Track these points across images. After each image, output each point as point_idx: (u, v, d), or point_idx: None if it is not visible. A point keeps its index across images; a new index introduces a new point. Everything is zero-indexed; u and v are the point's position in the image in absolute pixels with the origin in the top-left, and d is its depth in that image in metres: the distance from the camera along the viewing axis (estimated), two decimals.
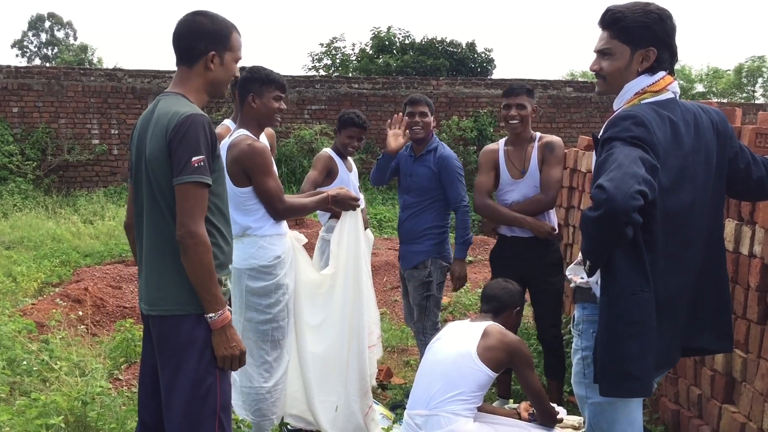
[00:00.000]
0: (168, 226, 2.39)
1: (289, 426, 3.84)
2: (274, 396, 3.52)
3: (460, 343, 3.21)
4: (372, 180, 4.64)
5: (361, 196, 4.63)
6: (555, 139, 4.11)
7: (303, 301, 3.69)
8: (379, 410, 4.08)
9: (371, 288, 3.86)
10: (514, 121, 4.04)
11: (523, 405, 3.55)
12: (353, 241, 3.74)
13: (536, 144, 4.09)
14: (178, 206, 2.33)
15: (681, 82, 29.01)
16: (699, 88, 30.76)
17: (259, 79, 3.44)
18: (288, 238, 3.60)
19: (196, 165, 2.30)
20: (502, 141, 4.27)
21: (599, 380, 2.27)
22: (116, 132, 13.24)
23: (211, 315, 2.38)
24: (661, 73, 2.36)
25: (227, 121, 4.65)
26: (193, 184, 2.31)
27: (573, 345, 2.61)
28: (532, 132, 4.15)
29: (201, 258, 2.32)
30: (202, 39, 2.47)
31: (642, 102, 2.32)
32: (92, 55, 39.36)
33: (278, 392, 3.54)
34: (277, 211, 3.42)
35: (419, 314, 4.35)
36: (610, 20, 2.37)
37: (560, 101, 14.58)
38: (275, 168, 3.55)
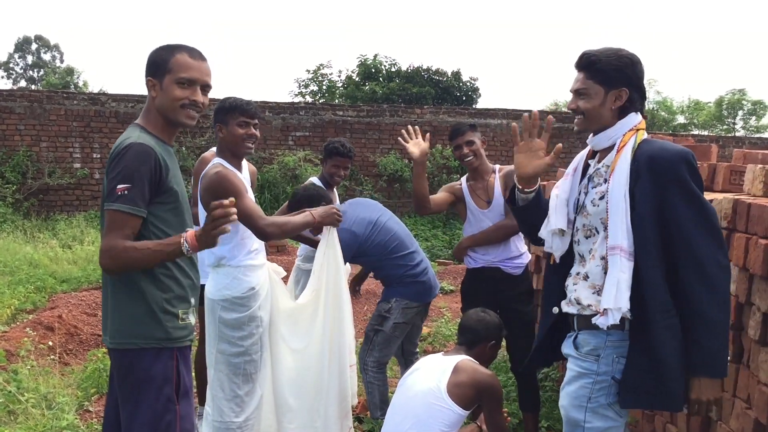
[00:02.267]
0: None
1: None
2: (245, 431, 3.45)
3: (430, 379, 3.15)
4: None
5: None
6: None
7: (283, 328, 3.64)
8: None
9: (350, 307, 3.80)
10: (468, 158, 4.09)
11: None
12: (333, 260, 3.71)
13: (497, 175, 4.13)
14: (102, 232, 2.32)
15: (663, 113, 29.35)
16: (680, 119, 31.11)
17: (223, 108, 3.45)
18: (264, 270, 3.55)
19: (119, 193, 2.29)
20: (463, 178, 4.31)
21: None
22: (98, 156, 13.16)
23: (185, 248, 2.32)
24: (640, 116, 2.54)
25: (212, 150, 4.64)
26: (113, 212, 2.30)
27: (578, 369, 2.55)
28: (491, 164, 4.20)
29: (130, 263, 2.29)
30: (146, 69, 2.51)
31: (643, 138, 2.47)
32: (78, 78, 39.25)
33: (249, 428, 3.47)
34: (260, 228, 3.27)
35: (364, 345, 4.28)
36: (586, 63, 2.52)
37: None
38: (251, 192, 3.53)
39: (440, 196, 4.21)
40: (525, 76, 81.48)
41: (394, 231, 4.30)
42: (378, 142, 14.15)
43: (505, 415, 3.54)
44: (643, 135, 2.49)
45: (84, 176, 13.02)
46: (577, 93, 2.55)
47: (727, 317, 2.33)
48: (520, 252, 4.12)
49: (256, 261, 3.48)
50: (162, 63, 2.48)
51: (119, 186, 2.28)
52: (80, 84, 36.49)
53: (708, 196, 3.22)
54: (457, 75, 23.18)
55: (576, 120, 2.59)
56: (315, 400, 3.66)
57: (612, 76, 2.47)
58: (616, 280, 2.38)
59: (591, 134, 2.59)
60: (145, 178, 2.33)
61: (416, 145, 4.02)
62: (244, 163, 4.39)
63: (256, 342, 3.44)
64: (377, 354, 4.24)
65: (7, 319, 6.55)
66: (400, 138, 4.14)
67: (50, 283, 8.07)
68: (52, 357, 5.12)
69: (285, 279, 3.76)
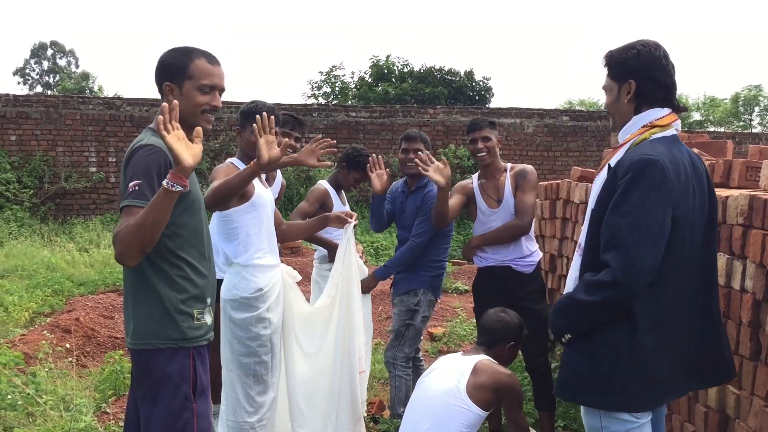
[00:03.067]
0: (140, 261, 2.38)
1: None
2: (259, 431, 3.45)
3: (450, 379, 3.14)
4: (373, 227, 4.61)
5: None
6: (527, 166, 4.15)
7: (298, 332, 3.66)
8: None
9: (361, 312, 3.81)
10: (482, 153, 4.09)
11: None
12: (346, 264, 3.72)
13: (508, 174, 4.12)
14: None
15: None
16: (696, 116, 30.89)
17: (244, 112, 3.55)
18: (277, 272, 3.55)
19: (131, 189, 2.32)
20: (474, 176, 4.32)
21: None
22: (113, 160, 13.26)
23: (169, 185, 2.24)
24: (667, 110, 2.46)
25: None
26: (126, 208, 2.32)
27: None
28: (503, 163, 4.20)
29: (125, 236, 2.24)
30: (160, 73, 2.54)
31: (652, 137, 2.40)
32: (93, 82, 39.59)
33: (263, 428, 3.47)
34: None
35: (393, 341, 4.31)
36: (605, 61, 2.56)
37: (557, 130, 14.62)
38: (271, 204, 3.61)
39: (453, 201, 4.20)
40: (538, 75, 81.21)
41: None
42: (391, 142, 14.14)
43: None
44: (656, 134, 2.41)
45: (100, 180, 13.13)
46: (604, 90, 2.59)
47: (581, 320, 2.36)
48: (530, 251, 4.11)
49: (265, 261, 3.47)
50: (182, 68, 2.50)
51: (131, 183, 2.32)
52: (95, 88, 36.81)
53: (723, 192, 3.20)
54: (469, 75, 23.14)
55: (611, 121, 2.63)
56: (327, 405, 3.67)
57: (619, 71, 2.47)
58: (570, 278, 2.50)
59: None
60: (153, 174, 2.34)
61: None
62: (278, 176, 4.50)
63: (265, 344, 3.43)
64: (407, 349, 4.28)
65: (25, 323, 6.61)
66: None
67: (67, 287, 8.13)
68: (69, 359, 5.16)
69: (299, 283, 3.76)
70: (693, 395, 3.36)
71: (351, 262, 3.73)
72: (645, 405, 2.38)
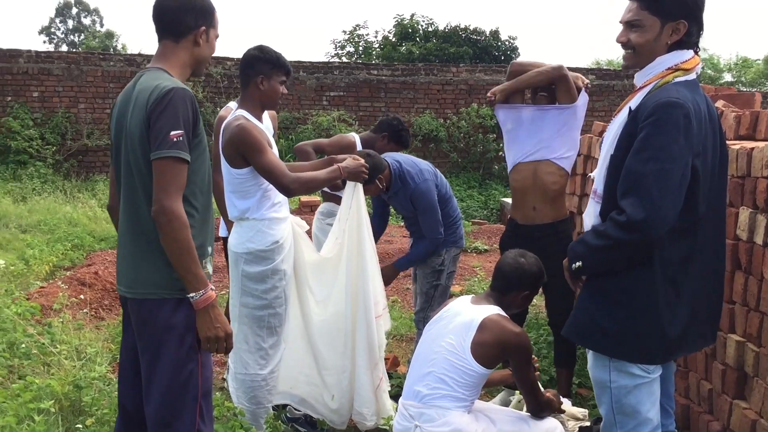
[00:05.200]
0: (143, 205, 2.31)
1: (287, 414, 3.77)
2: (270, 383, 3.44)
3: (455, 334, 3.04)
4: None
5: None
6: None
7: (311, 279, 3.64)
8: (388, 400, 4.00)
9: (375, 257, 3.74)
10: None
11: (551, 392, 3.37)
12: (355, 212, 3.64)
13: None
14: (154, 182, 2.24)
15: (709, 71, 28.48)
16: (727, 77, 30.16)
17: (270, 61, 3.34)
18: (288, 223, 3.51)
19: (174, 139, 2.22)
20: None
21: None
22: None
23: (192, 295, 2.29)
24: (691, 52, 2.31)
25: (232, 104, 4.57)
26: (170, 159, 2.22)
27: None
28: None
29: (177, 235, 2.23)
30: (191, 12, 2.40)
31: (675, 80, 2.26)
32: (117, 41, 39.56)
33: (274, 380, 3.47)
34: (285, 185, 3.23)
35: (423, 303, 4.26)
36: None
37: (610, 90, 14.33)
38: (274, 146, 3.46)
39: None
40: (565, 35, 79.70)
41: (441, 175, 4.37)
42: (413, 101, 13.97)
43: (534, 361, 3.44)
44: (679, 77, 2.27)
45: None
46: (629, 25, 2.35)
47: (597, 252, 2.30)
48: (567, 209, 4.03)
49: (280, 214, 3.43)
50: (211, 14, 2.46)
51: (173, 132, 2.22)
52: (119, 48, 36.78)
53: (749, 144, 3.07)
54: (495, 34, 22.75)
55: (624, 54, 2.41)
56: (344, 347, 3.65)
57: (670, 7, 2.25)
58: (586, 226, 2.41)
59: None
60: (189, 125, 2.29)
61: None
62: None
63: (280, 295, 3.42)
64: (438, 306, 4.21)
65: (45, 276, 6.68)
66: None
67: (88, 242, 8.21)
68: (86, 311, 5.19)
69: (308, 233, 3.71)
70: (710, 352, 3.28)
71: (360, 208, 3.64)
72: (657, 357, 2.31)
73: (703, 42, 2.36)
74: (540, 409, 3.12)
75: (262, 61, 3.34)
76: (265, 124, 3.53)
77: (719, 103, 3.76)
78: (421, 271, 4.30)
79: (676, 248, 2.24)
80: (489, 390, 4.19)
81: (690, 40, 2.30)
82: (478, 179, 13.85)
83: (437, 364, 3.01)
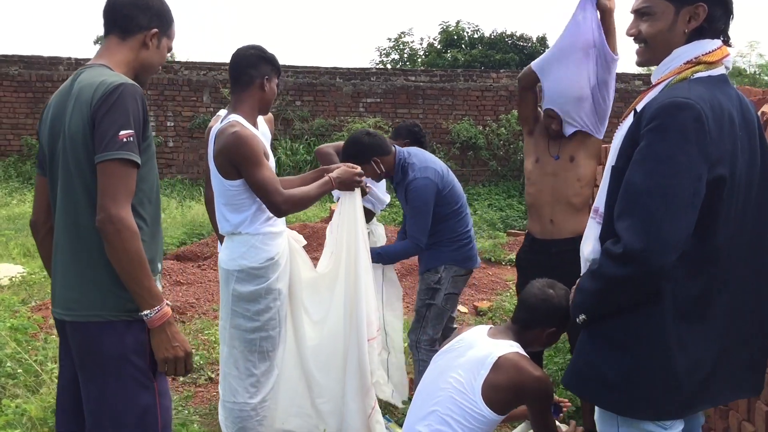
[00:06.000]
0: (85, 215, 2.07)
1: None
2: (261, 414, 3.16)
3: (465, 370, 2.68)
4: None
5: (387, 197, 4.26)
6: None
7: (305, 299, 3.38)
8: (392, 428, 3.70)
9: (371, 274, 3.47)
10: (555, 128, 3.62)
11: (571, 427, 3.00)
12: (352, 223, 3.37)
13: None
14: (99, 187, 2.01)
15: (765, 77, 27.31)
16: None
17: (272, 61, 3.12)
18: (284, 238, 3.24)
19: (123, 140, 1.99)
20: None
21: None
22: (172, 124, 13.26)
23: (146, 312, 2.05)
24: (718, 42, 1.97)
25: (222, 112, 4.31)
26: (118, 162, 1.99)
27: None
28: None
29: (127, 245, 1.99)
30: (146, 12, 2.21)
31: (694, 76, 1.92)
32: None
33: (265, 410, 3.18)
34: (276, 204, 2.98)
35: (415, 322, 3.92)
36: None
37: (628, 95, 13.76)
38: (271, 156, 3.19)
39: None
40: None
41: (459, 187, 3.99)
42: (451, 108, 13.64)
43: (564, 403, 3.08)
44: (700, 72, 1.93)
45: (159, 144, 13.07)
46: (639, 13, 2.03)
47: (596, 298, 1.97)
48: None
49: (276, 228, 3.16)
50: (168, 22, 2.30)
51: (123, 132, 2.00)
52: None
53: None
54: (542, 40, 22.36)
55: (637, 49, 2.08)
56: (339, 372, 3.39)
57: None
58: (584, 250, 2.12)
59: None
60: (139, 124, 2.08)
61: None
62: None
63: (274, 317, 3.14)
64: (431, 331, 3.89)
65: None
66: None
67: None
68: None
69: (305, 248, 3.44)
70: None
71: (357, 220, 3.37)
72: (671, 412, 1.94)
73: (761, 47, 1.98)
74: None
75: (265, 61, 3.10)
76: (261, 130, 3.27)
77: (766, 107, 3.35)
78: (419, 289, 3.99)
79: (694, 281, 1.87)
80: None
81: (714, 26, 1.94)
82: (518, 188, 13.43)
83: (442, 403, 2.67)
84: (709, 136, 1.79)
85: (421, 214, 3.76)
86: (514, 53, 21.78)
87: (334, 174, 3.20)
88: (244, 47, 3.13)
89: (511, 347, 2.69)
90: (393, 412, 4.07)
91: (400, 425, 3.77)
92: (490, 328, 2.90)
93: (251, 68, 3.07)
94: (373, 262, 3.74)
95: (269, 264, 3.11)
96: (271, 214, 3.13)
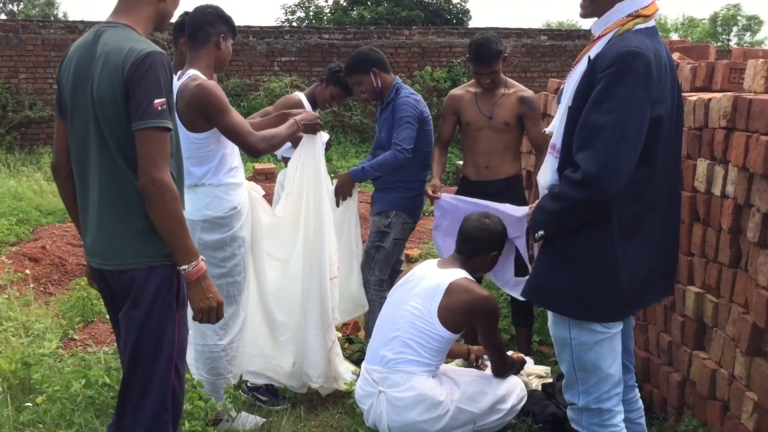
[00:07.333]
0: (121, 174, 2.22)
1: (248, 384, 3.69)
2: (230, 354, 3.35)
3: (421, 298, 2.99)
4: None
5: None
6: (533, 95, 4.01)
7: (266, 243, 3.55)
8: (345, 364, 3.95)
9: (331, 217, 3.66)
10: (486, 82, 3.90)
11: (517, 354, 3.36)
12: (312, 167, 3.55)
13: (510, 93, 3.95)
14: (140, 153, 2.15)
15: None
16: (674, 37, 30.60)
17: (228, 21, 3.23)
18: (244, 189, 3.39)
19: (158, 108, 2.13)
20: (464, 86, 4.17)
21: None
22: None
23: (184, 267, 2.24)
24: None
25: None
26: (155, 129, 2.14)
27: None
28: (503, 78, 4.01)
29: (168, 206, 2.17)
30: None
31: (636, 27, 2.17)
32: (57, 9, 38.13)
33: (234, 350, 3.37)
34: (252, 144, 3.12)
35: (364, 263, 4.16)
36: None
37: (534, 50, 14.30)
38: None
39: (447, 125, 4.13)
40: None
41: (431, 134, 4.24)
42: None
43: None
44: (639, 24, 2.18)
45: None
46: None
47: (556, 216, 2.24)
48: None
49: (237, 179, 3.32)
50: None
51: (157, 101, 2.13)
52: (60, 16, 35.48)
53: (706, 95, 3.06)
54: None
55: (581, 2, 2.29)
56: (300, 311, 3.59)
57: None
58: (542, 180, 2.35)
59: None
60: (170, 91, 2.22)
61: None
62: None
63: (239, 263, 3.32)
64: (378, 272, 4.14)
65: None
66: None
67: (35, 216, 7.91)
68: (32, 287, 5.01)
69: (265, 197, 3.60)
70: (669, 304, 3.30)
71: (319, 165, 3.56)
72: (617, 314, 2.29)
73: None
74: (506, 371, 3.12)
75: (222, 20, 3.21)
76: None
77: (675, 56, 3.74)
78: (370, 231, 4.22)
79: (633, 204, 2.20)
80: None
81: None
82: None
83: (403, 329, 2.97)
84: (653, 81, 2.10)
85: (409, 125, 3.98)
86: (419, 10, 21.99)
87: (298, 117, 3.39)
88: (203, 6, 3.24)
89: (460, 274, 3.03)
90: (345, 350, 4.33)
91: (356, 360, 4.04)
92: (438, 260, 3.22)
93: (208, 25, 3.17)
94: (356, 179, 4.00)
95: (233, 213, 3.26)
96: (233, 166, 3.28)
